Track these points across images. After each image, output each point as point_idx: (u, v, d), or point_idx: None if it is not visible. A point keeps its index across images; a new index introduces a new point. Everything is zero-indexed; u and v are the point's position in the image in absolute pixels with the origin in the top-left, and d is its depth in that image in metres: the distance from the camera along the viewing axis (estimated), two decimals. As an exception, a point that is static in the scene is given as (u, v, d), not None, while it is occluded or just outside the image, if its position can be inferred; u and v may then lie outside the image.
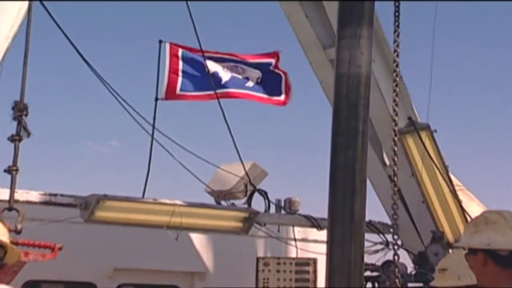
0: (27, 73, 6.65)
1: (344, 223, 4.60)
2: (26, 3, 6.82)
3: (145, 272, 10.64)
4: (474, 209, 9.45)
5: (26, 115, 6.53)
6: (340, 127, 4.69)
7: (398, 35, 6.72)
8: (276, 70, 11.76)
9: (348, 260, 4.58)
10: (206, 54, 11.20)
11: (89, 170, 29.16)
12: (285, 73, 11.76)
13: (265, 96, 11.77)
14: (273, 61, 11.75)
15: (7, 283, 4.05)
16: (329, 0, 8.71)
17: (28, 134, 6.54)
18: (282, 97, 11.89)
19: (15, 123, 6.61)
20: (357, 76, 4.70)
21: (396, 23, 6.63)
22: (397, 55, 6.57)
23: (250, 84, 11.72)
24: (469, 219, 9.20)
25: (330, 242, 4.65)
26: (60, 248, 6.70)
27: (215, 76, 11.42)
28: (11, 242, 6.56)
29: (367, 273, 10.38)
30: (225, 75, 11.54)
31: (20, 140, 6.50)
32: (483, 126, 33.50)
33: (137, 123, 10.07)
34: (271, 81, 11.78)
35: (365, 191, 4.72)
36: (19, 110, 6.53)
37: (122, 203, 9.83)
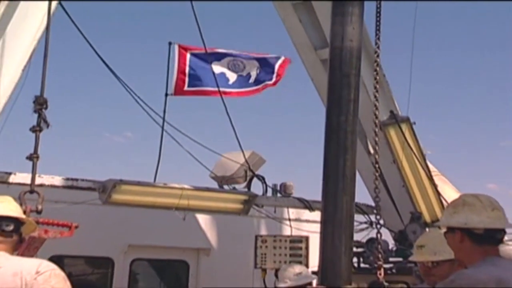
0: (46, 71, 6.64)
1: (337, 177, 4.62)
2: (51, 3, 6.81)
3: (156, 248, 10.64)
4: (448, 192, 9.46)
5: (46, 108, 6.53)
6: (334, 95, 4.71)
7: (379, 38, 6.67)
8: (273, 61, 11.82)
9: (340, 210, 4.61)
10: (209, 51, 11.20)
11: (106, 158, 29.43)
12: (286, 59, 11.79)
13: (260, 86, 11.80)
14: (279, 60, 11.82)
15: (30, 257, 4.07)
16: (320, 0, 8.69)
17: (47, 125, 6.54)
18: (273, 80, 11.90)
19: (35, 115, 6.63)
20: (349, 49, 4.73)
21: (377, 27, 6.57)
22: (378, 56, 6.51)
23: (252, 80, 11.74)
24: (443, 201, 9.23)
25: (324, 195, 4.67)
26: (76, 227, 6.71)
27: (222, 77, 11.45)
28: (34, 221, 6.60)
29: (353, 249, 10.43)
30: (232, 77, 11.58)
31: (40, 130, 6.50)
32: (457, 119, 33.56)
33: (149, 116, 10.06)
34: (266, 71, 11.80)
35: (355, 150, 4.74)
36: (39, 104, 6.53)
37: (136, 187, 9.84)
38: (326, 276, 4.54)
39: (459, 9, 30.95)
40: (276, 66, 11.74)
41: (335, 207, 4.60)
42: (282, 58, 11.79)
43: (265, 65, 11.73)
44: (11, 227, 3.47)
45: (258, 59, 11.77)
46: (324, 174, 4.75)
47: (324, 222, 4.66)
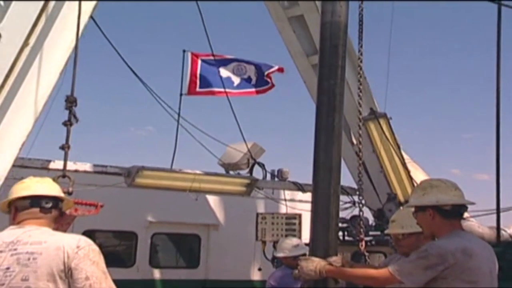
0: (76, 72, 6.63)
1: (327, 132, 4.59)
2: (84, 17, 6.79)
3: (173, 224, 10.65)
4: (419, 176, 9.43)
5: (75, 105, 6.52)
6: (324, 62, 4.67)
7: (361, 46, 6.60)
8: (270, 70, 11.82)
9: (330, 159, 4.58)
10: (217, 58, 11.25)
11: (131, 148, 29.66)
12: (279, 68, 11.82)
13: (260, 89, 11.84)
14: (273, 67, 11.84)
15: (63, 232, 4.05)
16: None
17: (77, 120, 6.53)
18: (269, 85, 11.96)
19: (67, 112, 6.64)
20: (338, 23, 4.68)
21: (360, 37, 6.48)
22: (361, 61, 6.45)
23: (253, 82, 11.78)
24: (415, 184, 9.21)
25: (315, 147, 4.63)
26: (101, 206, 6.70)
27: (228, 80, 11.51)
28: None
29: (339, 225, 10.43)
30: (236, 80, 11.61)
31: (71, 125, 6.48)
32: (427, 115, 33.63)
33: (167, 112, 10.15)
34: (262, 79, 11.85)
35: (342, 110, 4.70)
36: (70, 102, 6.51)
37: (155, 172, 9.85)
38: (316, 247, 4.51)
39: (428, 14, 31.01)
40: (265, 73, 11.75)
41: (326, 157, 4.58)
42: (276, 67, 11.79)
43: (260, 71, 11.77)
44: (50, 204, 3.44)
45: (255, 65, 11.81)
46: (316, 130, 4.70)
47: (314, 202, 4.61)
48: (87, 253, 3.18)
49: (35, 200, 3.40)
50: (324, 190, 4.52)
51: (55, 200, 3.50)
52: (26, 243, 3.18)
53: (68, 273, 3.11)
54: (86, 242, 3.28)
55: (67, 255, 3.13)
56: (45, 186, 3.52)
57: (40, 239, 3.20)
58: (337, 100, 4.62)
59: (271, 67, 11.80)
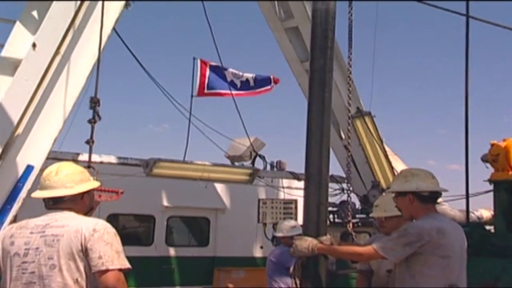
0: (99, 76, 6.63)
1: (317, 107, 4.57)
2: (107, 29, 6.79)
3: (186, 208, 10.64)
4: (399, 166, 9.44)
5: (99, 105, 6.52)
6: (315, 43, 4.63)
7: (351, 53, 6.52)
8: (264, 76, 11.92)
9: (320, 129, 4.55)
10: (224, 66, 11.32)
11: (149, 142, 29.91)
12: (275, 79, 11.92)
13: (259, 90, 11.89)
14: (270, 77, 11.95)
15: (89, 215, 4.02)
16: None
17: (100, 118, 6.54)
18: (269, 87, 11.99)
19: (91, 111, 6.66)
20: (327, 10, 4.65)
21: (350, 43, 6.39)
22: (350, 66, 6.37)
23: (251, 84, 11.84)
24: (396, 173, 9.20)
25: (308, 115, 4.60)
26: (122, 192, 6.70)
27: (233, 83, 11.55)
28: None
29: (329, 209, 10.42)
30: (238, 82, 11.65)
31: (95, 122, 6.48)
32: (407, 113, 33.67)
33: (179, 112, 10.22)
34: (262, 80, 11.89)
35: (331, 84, 4.67)
36: (94, 102, 6.51)
37: (170, 163, 9.88)
38: (308, 228, 4.50)
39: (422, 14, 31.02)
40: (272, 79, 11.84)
41: (316, 126, 4.57)
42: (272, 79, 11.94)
43: (260, 78, 11.89)
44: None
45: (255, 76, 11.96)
46: (308, 105, 4.66)
47: (306, 189, 4.60)
48: (102, 235, 3.15)
49: (56, 198, 3.35)
50: (314, 178, 4.51)
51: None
52: (52, 227, 3.19)
53: (85, 253, 3.10)
54: (102, 226, 3.23)
55: (84, 237, 3.12)
56: (64, 181, 3.38)
57: (64, 223, 3.20)
58: (327, 78, 4.58)
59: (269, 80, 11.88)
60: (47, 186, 3.36)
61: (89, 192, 3.50)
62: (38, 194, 3.40)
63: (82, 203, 3.41)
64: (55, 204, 3.34)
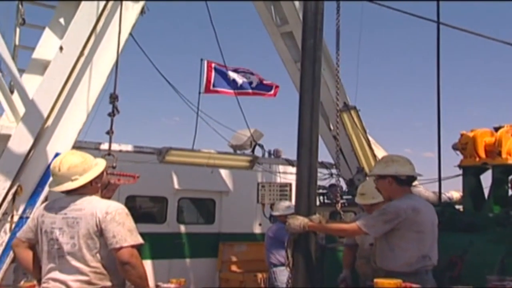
0: (117, 75, 6.63)
1: (308, 82, 4.55)
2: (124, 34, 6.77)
3: (194, 191, 10.61)
4: (380, 153, 9.38)
5: (117, 101, 6.51)
6: (306, 27, 4.57)
7: (339, 55, 6.40)
8: (268, 83, 11.88)
9: (310, 102, 4.53)
10: (228, 67, 11.25)
11: (162, 133, 29.97)
12: (277, 86, 11.95)
13: (261, 92, 11.87)
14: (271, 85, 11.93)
15: (109, 198, 3.98)
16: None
17: (118, 112, 6.53)
18: (272, 92, 11.97)
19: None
20: (316, 4, 4.61)
21: (337, 46, 6.27)
22: (338, 65, 6.24)
23: (253, 85, 11.80)
24: (377, 159, 9.21)
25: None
26: (138, 177, 6.70)
27: (235, 81, 11.51)
28: (111, 173, 6.56)
29: (320, 191, 10.45)
30: (240, 81, 11.62)
31: (114, 115, 6.47)
32: (387, 107, 33.60)
33: (189, 106, 10.21)
34: (265, 85, 11.86)
35: (320, 63, 4.61)
36: (113, 98, 6.50)
37: (181, 152, 9.88)
38: (300, 208, 4.50)
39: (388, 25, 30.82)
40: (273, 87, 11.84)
41: (307, 100, 4.55)
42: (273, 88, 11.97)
43: (265, 83, 11.87)
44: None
45: (259, 77, 11.91)
46: (301, 81, 4.62)
47: (298, 174, 4.60)
48: (114, 216, 3.11)
49: (69, 190, 3.30)
50: (305, 164, 4.51)
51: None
52: (72, 210, 3.19)
53: (100, 233, 3.11)
54: (114, 208, 3.19)
55: (98, 220, 3.10)
56: (68, 175, 3.26)
57: (81, 207, 3.19)
58: (316, 55, 4.49)
59: (270, 87, 11.87)
60: (56, 181, 3.31)
61: (96, 177, 3.35)
62: (51, 187, 3.37)
63: (93, 187, 3.34)
64: (69, 192, 3.30)
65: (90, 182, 3.30)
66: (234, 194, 10.88)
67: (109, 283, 3.12)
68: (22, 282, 7.41)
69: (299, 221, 4.29)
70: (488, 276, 3.75)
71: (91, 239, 3.11)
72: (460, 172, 5.70)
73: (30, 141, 6.32)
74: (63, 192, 3.33)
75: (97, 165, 3.37)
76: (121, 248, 3.05)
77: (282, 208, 7.38)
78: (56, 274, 3.13)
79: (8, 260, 6.19)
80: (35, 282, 3.41)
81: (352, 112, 9.30)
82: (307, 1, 4.65)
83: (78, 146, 7.19)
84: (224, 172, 10.84)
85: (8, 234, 6.13)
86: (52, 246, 3.17)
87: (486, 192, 5.19)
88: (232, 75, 11.53)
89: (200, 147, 10.39)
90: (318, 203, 7.72)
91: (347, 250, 5.20)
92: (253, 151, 11.33)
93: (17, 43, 6.93)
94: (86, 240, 3.10)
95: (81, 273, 3.07)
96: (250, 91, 11.71)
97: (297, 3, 8.74)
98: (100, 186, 3.39)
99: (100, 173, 3.39)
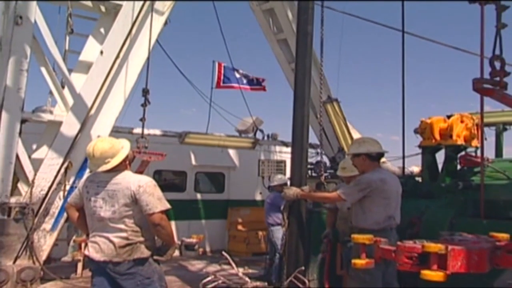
0: (148, 73, 6.63)
1: (302, 66, 4.54)
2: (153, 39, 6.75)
3: (208, 166, 10.65)
4: (357, 136, 9.37)
5: (148, 94, 6.53)
6: (300, 27, 4.56)
7: (322, 56, 6.21)
8: (259, 78, 11.85)
9: (302, 96, 4.51)
10: (235, 68, 11.25)
11: (182, 121, 29.90)
12: (263, 79, 11.89)
13: (256, 87, 11.85)
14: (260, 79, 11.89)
15: (141, 172, 3.95)
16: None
17: (149, 103, 6.55)
18: (262, 87, 11.96)
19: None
20: (306, 9, 4.58)
21: (322, 47, 6.01)
22: (322, 62, 6.03)
23: (255, 82, 11.79)
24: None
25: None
26: (165, 155, 6.72)
27: (241, 79, 11.49)
28: (143, 152, 6.53)
29: (308, 166, 10.44)
30: (244, 79, 11.60)
31: (145, 106, 6.50)
32: (366, 99, 33.42)
33: (204, 99, 10.30)
34: (258, 82, 11.84)
35: (311, 46, 4.60)
36: (145, 92, 6.53)
37: (197, 135, 9.89)
38: (293, 180, 4.54)
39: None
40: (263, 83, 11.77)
41: (300, 88, 4.55)
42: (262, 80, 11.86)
43: (257, 81, 11.83)
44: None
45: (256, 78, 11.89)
46: (296, 64, 4.58)
47: (292, 152, 4.63)
48: (145, 188, 3.09)
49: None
50: (298, 145, 4.53)
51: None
52: (111, 184, 3.17)
53: (135, 202, 3.10)
54: (145, 181, 3.15)
55: (133, 192, 3.09)
56: (101, 160, 3.19)
57: (118, 182, 3.17)
58: (307, 47, 4.47)
59: (260, 82, 11.85)
60: (93, 164, 3.26)
61: (124, 158, 3.26)
62: (90, 169, 3.32)
63: (123, 164, 3.26)
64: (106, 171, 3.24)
65: (121, 161, 3.28)
66: (239, 169, 10.94)
67: (142, 239, 3.16)
68: (74, 237, 7.58)
69: (293, 191, 4.34)
70: (440, 231, 3.81)
71: (128, 207, 3.12)
72: (420, 151, 5.72)
73: (77, 126, 6.37)
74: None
75: (123, 148, 3.30)
76: (153, 213, 3.07)
77: (277, 180, 7.44)
78: (101, 233, 3.16)
79: (62, 220, 6.30)
80: (84, 237, 3.43)
81: (335, 103, 9.26)
82: (300, 17, 4.64)
83: (115, 130, 7.26)
84: (231, 152, 10.87)
85: (62, 200, 6.23)
86: (94, 212, 3.18)
87: (440, 166, 5.23)
88: (237, 74, 11.55)
89: (212, 132, 10.42)
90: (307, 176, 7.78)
91: (330, 213, 5.24)
92: (255, 134, 11.34)
93: (66, 48, 6.95)
94: (124, 207, 3.12)
95: (121, 230, 3.11)
96: (248, 87, 11.74)
97: (290, 15, 8.68)
98: (128, 163, 3.35)
99: (127, 154, 3.34)
